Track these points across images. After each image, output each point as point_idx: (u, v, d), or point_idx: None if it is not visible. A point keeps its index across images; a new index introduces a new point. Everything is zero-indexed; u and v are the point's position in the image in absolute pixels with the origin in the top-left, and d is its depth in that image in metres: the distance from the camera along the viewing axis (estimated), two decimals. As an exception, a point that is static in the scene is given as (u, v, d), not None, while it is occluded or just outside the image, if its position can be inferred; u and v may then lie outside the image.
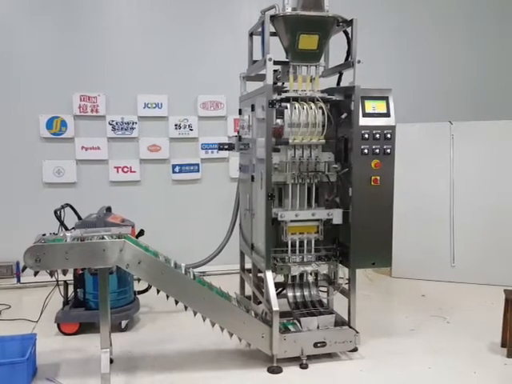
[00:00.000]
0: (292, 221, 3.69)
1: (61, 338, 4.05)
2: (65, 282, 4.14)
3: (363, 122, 3.59)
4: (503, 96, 6.79)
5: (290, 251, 3.75)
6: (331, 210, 3.71)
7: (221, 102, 5.96)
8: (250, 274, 4.32)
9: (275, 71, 3.66)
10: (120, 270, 3.41)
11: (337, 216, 3.71)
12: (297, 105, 3.63)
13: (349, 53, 3.72)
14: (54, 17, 5.52)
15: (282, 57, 3.78)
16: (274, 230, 3.68)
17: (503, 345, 3.79)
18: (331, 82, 3.96)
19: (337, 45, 3.91)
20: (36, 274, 3.14)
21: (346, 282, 3.76)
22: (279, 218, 3.63)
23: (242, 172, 4.42)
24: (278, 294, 3.70)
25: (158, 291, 3.37)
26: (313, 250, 3.80)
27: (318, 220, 3.75)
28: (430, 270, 5.57)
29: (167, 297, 3.38)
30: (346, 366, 3.57)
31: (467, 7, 6.68)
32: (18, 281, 5.38)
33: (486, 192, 5.41)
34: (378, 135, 3.61)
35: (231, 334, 3.54)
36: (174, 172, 5.91)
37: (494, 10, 6.76)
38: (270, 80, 3.45)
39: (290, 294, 3.87)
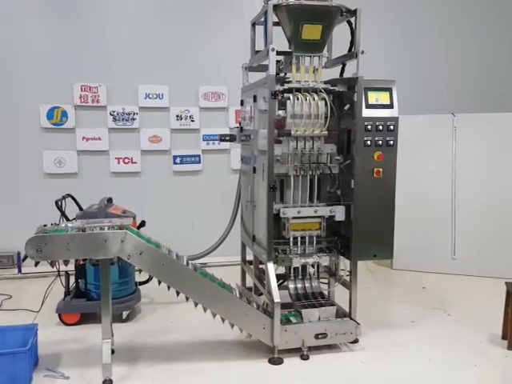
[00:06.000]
0: (294, 217, 3.68)
1: (62, 329, 4.06)
2: (66, 272, 4.15)
3: (366, 113, 3.56)
4: (506, 88, 6.75)
5: (291, 243, 3.74)
6: (334, 207, 3.70)
7: (222, 92, 5.93)
8: (252, 266, 4.32)
9: (278, 62, 3.63)
10: (121, 261, 3.40)
11: (339, 213, 3.70)
12: (299, 96, 3.59)
13: (352, 43, 3.69)
14: (54, 6, 5.47)
15: (285, 47, 3.74)
16: (275, 223, 3.66)
17: (504, 337, 3.80)
18: (334, 72, 3.93)
19: (340, 35, 3.87)
20: (37, 264, 3.13)
21: (348, 273, 3.76)
22: (281, 215, 3.62)
23: (243, 163, 4.40)
24: (279, 286, 3.69)
25: (160, 282, 3.36)
26: (314, 242, 3.79)
27: (320, 216, 3.74)
28: (431, 262, 5.57)
29: (168, 288, 3.38)
30: (346, 358, 3.58)
31: (471, -2, 6.64)
32: (19, 271, 5.37)
33: (488, 184, 5.40)
34: (380, 127, 3.59)
35: (232, 325, 3.54)
36: (175, 163, 5.89)
37: (497, 1, 6.70)
38: (272, 70, 3.42)
39: (291, 286, 3.86)
